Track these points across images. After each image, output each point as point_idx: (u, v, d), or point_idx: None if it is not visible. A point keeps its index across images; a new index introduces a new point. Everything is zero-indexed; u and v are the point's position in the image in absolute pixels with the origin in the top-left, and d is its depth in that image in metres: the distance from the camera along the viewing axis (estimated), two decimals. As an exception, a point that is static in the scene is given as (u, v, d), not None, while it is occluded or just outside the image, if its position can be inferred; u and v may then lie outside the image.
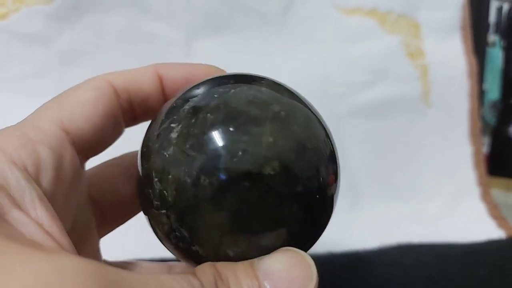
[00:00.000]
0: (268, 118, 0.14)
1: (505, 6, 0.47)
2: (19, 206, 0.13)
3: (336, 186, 0.15)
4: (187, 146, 0.14)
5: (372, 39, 0.42)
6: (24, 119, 0.15)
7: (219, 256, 0.14)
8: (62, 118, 0.15)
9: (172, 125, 0.14)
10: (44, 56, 0.38)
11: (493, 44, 0.47)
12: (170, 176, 0.14)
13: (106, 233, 0.20)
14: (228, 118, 0.14)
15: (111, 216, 0.19)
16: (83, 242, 0.17)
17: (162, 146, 0.14)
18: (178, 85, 0.18)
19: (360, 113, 0.42)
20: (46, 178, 0.14)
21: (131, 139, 0.19)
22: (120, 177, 0.19)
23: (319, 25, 0.42)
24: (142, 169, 0.15)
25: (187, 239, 0.14)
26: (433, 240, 0.36)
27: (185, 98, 0.15)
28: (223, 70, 0.18)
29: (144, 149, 0.15)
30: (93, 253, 0.18)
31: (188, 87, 0.16)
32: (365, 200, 0.40)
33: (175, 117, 0.15)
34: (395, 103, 0.42)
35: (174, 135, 0.14)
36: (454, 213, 0.41)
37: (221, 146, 0.13)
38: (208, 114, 0.14)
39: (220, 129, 0.14)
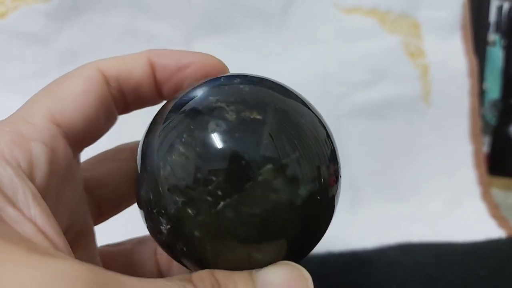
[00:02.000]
0: (268, 117, 0.14)
1: (506, 5, 0.46)
2: (13, 204, 0.12)
3: (337, 187, 0.15)
4: (187, 148, 0.14)
5: (372, 38, 0.42)
6: (14, 113, 0.15)
7: (217, 261, 0.14)
8: (53, 111, 0.15)
9: (171, 125, 0.14)
10: (44, 55, 0.38)
11: (494, 43, 0.47)
12: (168, 179, 0.14)
13: (101, 222, 0.19)
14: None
15: (107, 207, 0.19)
16: (80, 238, 0.17)
17: (161, 149, 0.14)
18: (170, 73, 0.17)
19: (360, 113, 0.41)
20: (40, 174, 0.14)
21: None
22: (116, 171, 0.19)
23: (319, 24, 0.42)
24: (140, 168, 0.15)
25: (182, 246, 0.14)
26: (433, 239, 0.36)
27: (183, 102, 0.15)
28: (217, 59, 0.18)
29: (143, 150, 0.15)
30: (90, 249, 0.18)
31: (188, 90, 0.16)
32: (365, 199, 0.40)
33: (173, 119, 0.14)
34: (395, 102, 0.42)
35: (174, 139, 0.14)
36: (454, 212, 0.41)
37: (219, 148, 0.13)
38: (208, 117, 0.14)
39: (220, 134, 0.13)
